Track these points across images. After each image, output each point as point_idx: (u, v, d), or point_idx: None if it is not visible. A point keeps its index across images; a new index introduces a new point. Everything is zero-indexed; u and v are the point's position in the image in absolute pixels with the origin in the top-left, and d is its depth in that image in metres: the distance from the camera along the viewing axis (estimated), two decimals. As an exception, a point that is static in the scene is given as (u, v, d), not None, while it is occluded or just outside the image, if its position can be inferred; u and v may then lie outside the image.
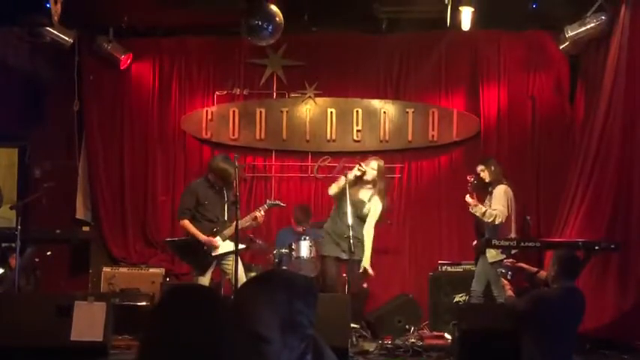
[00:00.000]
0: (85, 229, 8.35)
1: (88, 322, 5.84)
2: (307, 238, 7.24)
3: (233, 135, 8.53)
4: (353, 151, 8.22)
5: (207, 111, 8.58)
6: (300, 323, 1.82)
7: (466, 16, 7.14)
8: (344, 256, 6.55)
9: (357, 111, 8.45)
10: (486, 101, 8.31)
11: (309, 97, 8.50)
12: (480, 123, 8.31)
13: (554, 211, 7.67)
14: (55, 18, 6.13)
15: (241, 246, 6.29)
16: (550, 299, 4.71)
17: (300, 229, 7.60)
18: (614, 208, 6.68)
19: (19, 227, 6.64)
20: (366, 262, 6.60)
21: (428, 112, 8.42)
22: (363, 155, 7.55)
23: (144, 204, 8.58)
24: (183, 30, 8.59)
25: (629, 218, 6.56)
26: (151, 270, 7.99)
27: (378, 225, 6.79)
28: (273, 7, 6.94)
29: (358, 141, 8.42)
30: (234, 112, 8.54)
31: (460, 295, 7.30)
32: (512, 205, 6.70)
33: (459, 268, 7.55)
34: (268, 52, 8.41)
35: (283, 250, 7.21)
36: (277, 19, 6.93)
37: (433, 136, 8.40)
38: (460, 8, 7.05)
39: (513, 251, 6.34)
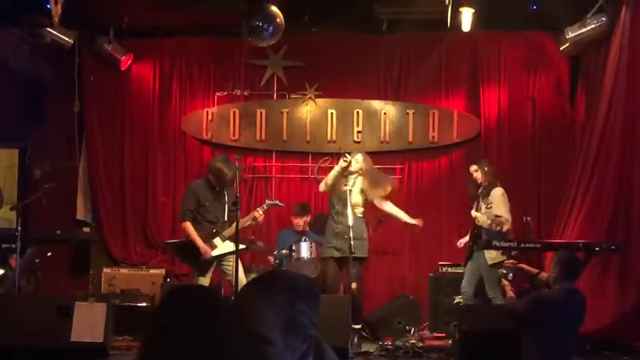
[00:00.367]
0: (86, 229, 8.35)
1: (89, 322, 5.84)
2: (307, 239, 7.24)
3: (233, 136, 8.53)
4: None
5: (207, 112, 8.58)
6: (302, 324, 1.82)
7: (466, 17, 7.14)
8: (337, 255, 6.57)
9: (358, 112, 8.45)
10: (487, 102, 8.32)
11: (310, 97, 8.51)
12: (480, 124, 8.31)
13: (554, 212, 7.68)
14: (56, 19, 6.13)
15: (241, 246, 6.30)
16: (551, 300, 4.71)
17: (300, 221, 7.58)
18: (614, 210, 6.68)
19: (20, 228, 6.66)
20: (407, 218, 6.88)
21: (428, 113, 8.42)
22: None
23: (144, 205, 8.58)
24: (184, 31, 8.59)
25: (629, 219, 6.56)
26: (152, 271, 7.99)
27: (388, 197, 6.90)
28: (274, 8, 6.94)
29: (359, 142, 8.42)
30: (234, 112, 8.54)
31: (460, 297, 7.29)
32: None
33: (460, 269, 7.52)
34: (269, 53, 8.42)
35: (284, 251, 7.21)
36: (278, 19, 6.93)
37: (433, 137, 8.41)
38: (460, 9, 7.05)
39: (513, 252, 6.33)
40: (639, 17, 6.70)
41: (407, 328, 7.28)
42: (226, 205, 6.50)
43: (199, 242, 6.38)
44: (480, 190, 6.77)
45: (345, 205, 6.47)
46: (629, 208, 6.58)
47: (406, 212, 6.74)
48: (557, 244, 6.46)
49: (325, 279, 6.77)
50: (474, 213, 6.74)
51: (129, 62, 8.54)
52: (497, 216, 6.52)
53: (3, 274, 7.07)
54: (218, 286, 6.78)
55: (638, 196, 6.51)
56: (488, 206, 6.66)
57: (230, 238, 6.34)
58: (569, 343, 4.68)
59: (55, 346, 5.75)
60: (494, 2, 7.21)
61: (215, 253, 6.42)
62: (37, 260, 7.51)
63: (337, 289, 6.77)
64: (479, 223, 6.66)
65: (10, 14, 6.18)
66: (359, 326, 6.76)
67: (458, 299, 7.16)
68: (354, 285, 6.58)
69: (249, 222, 6.52)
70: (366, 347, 6.65)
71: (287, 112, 8.52)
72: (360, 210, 6.75)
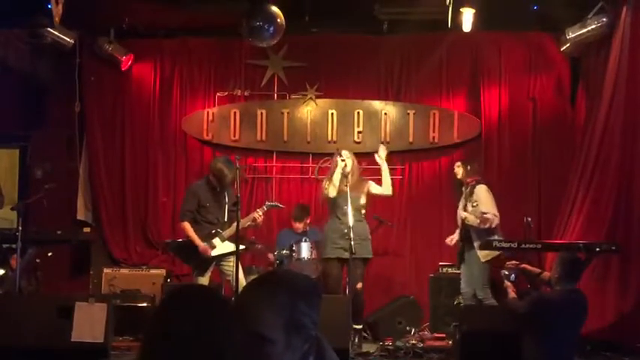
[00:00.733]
0: (86, 230, 8.34)
1: (89, 323, 5.84)
2: (307, 239, 7.24)
3: (234, 136, 8.53)
4: (354, 152, 8.20)
5: (208, 112, 8.58)
6: (304, 324, 1.81)
7: (467, 17, 7.13)
8: (345, 256, 6.56)
9: (358, 112, 8.45)
10: (487, 103, 8.31)
11: (310, 98, 8.50)
12: (480, 124, 8.30)
13: (555, 213, 7.67)
14: (56, 19, 6.15)
15: (241, 247, 6.29)
16: (552, 301, 4.72)
17: (300, 225, 7.58)
18: (615, 210, 6.68)
19: (20, 228, 6.66)
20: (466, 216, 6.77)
21: (429, 113, 8.42)
22: (364, 156, 7.60)
23: (145, 205, 8.58)
24: (185, 31, 8.58)
25: (629, 220, 6.56)
26: (152, 271, 7.98)
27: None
28: (274, 9, 6.94)
29: (359, 142, 8.42)
30: (235, 113, 8.54)
31: (460, 297, 7.29)
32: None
33: (460, 270, 7.53)
34: (269, 54, 8.41)
35: (284, 252, 7.21)
36: (278, 20, 6.93)
37: (434, 137, 8.40)
38: (461, 10, 7.04)
39: (506, 245, 6.34)
40: (640, 18, 6.71)
41: (407, 328, 7.29)
42: (226, 206, 6.50)
43: (198, 241, 6.38)
44: (464, 190, 6.83)
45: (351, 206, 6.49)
46: (629, 208, 6.58)
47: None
48: (558, 244, 6.47)
49: (328, 279, 6.77)
50: (462, 213, 6.76)
51: (129, 63, 8.54)
52: (484, 213, 6.56)
53: (3, 274, 7.07)
54: (219, 287, 6.78)
55: (638, 196, 6.51)
56: (474, 205, 6.70)
57: (229, 239, 6.35)
58: (570, 343, 4.68)
59: (56, 347, 5.75)
60: (495, 3, 7.21)
61: (214, 253, 6.42)
62: (38, 260, 7.51)
63: (339, 290, 6.77)
64: (468, 223, 6.68)
65: (10, 14, 6.19)
66: (360, 326, 6.77)
67: (458, 300, 7.16)
68: (359, 285, 6.59)
69: (248, 223, 6.52)
70: (367, 347, 6.65)
71: (287, 113, 8.52)
72: (364, 211, 6.79)
